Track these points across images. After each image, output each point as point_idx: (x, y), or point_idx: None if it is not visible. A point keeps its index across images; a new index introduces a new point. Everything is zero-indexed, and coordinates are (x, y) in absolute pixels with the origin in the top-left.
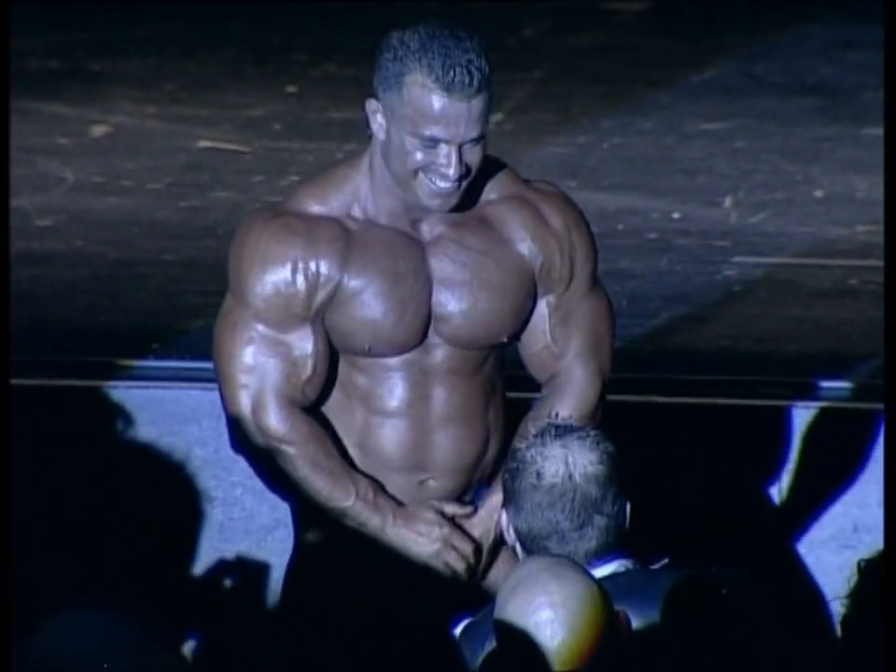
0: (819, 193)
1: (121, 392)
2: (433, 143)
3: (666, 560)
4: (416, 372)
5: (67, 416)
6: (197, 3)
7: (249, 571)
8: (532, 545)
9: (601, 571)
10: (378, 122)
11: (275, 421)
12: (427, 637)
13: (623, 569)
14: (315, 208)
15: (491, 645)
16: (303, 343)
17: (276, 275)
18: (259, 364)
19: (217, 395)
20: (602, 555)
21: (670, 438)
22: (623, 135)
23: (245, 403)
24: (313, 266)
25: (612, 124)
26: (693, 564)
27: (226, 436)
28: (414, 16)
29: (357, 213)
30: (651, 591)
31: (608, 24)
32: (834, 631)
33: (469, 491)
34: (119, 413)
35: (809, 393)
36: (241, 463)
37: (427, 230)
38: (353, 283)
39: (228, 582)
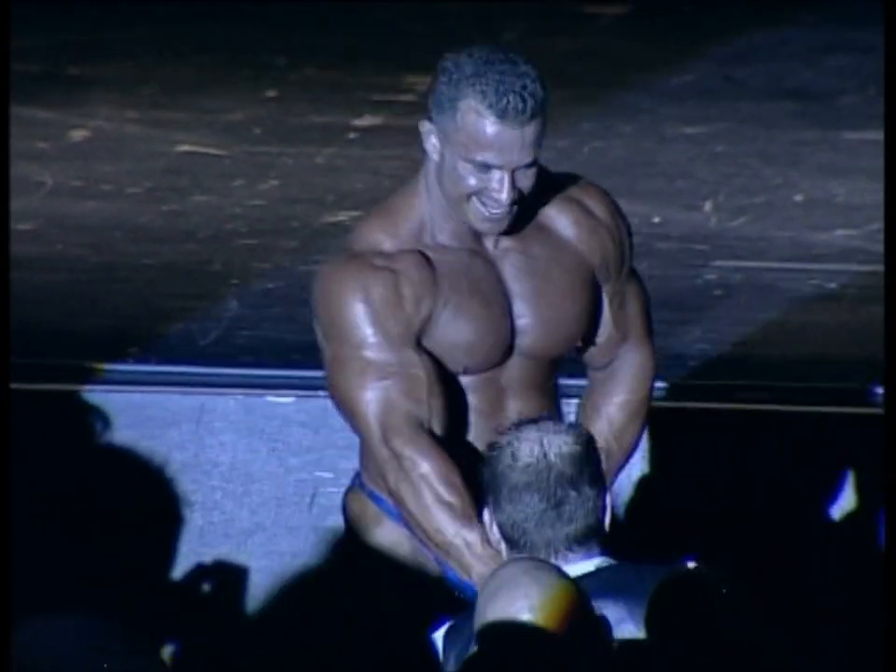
0: (798, 197)
1: (101, 396)
2: (486, 168)
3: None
4: (492, 387)
5: (47, 420)
6: (176, 6)
7: (229, 575)
8: (513, 534)
9: (585, 566)
10: (432, 143)
11: (403, 440)
12: (404, 641)
13: (606, 564)
14: (388, 244)
15: (473, 648)
16: (413, 359)
17: (370, 304)
18: (378, 388)
19: (196, 399)
20: (584, 543)
21: (650, 441)
22: (602, 139)
23: (373, 428)
24: (406, 293)
25: (592, 128)
26: (673, 561)
27: (206, 440)
28: (393, 17)
29: (427, 239)
30: (637, 587)
31: (587, 27)
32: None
33: None
34: (99, 417)
35: (790, 397)
36: (221, 467)
37: (492, 244)
38: (446, 309)
39: (207, 586)
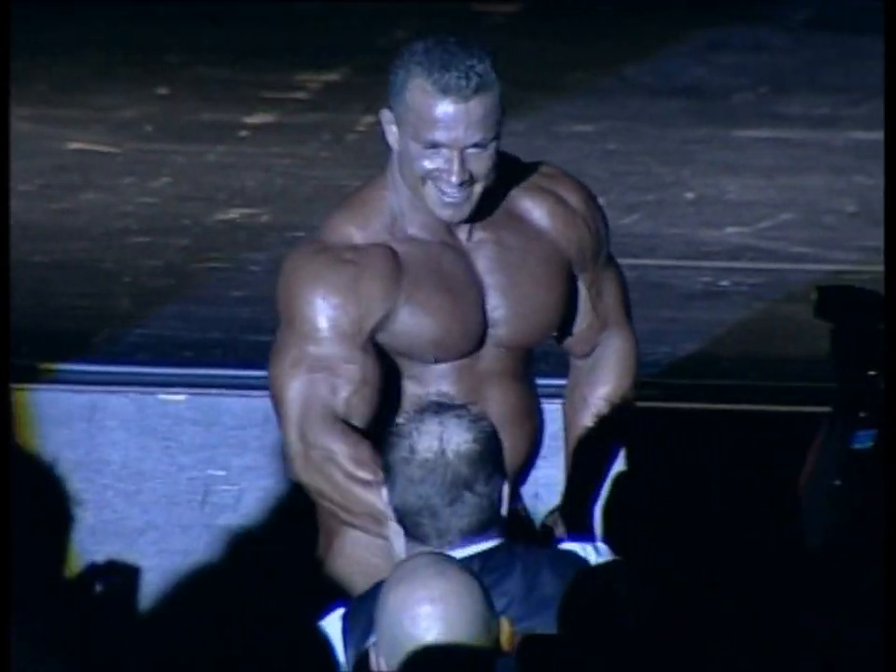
0: (690, 195)
1: None
2: (435, 148)
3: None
4: (468, 378)
5: None
6: (66, 3)
7: (121, 574)
8: (407, 521)
9: (475, 548)
10: (392, 132)
11: (317, 431)
12: (293, 630)
13: (495, 544)
14: (359, 236)
15: (372, 638)
16: (352, 360)
17: (327, 300)
18: (306, 381)
19: (88, 397)
20: (478, 534)
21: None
22: None
23: (292, 419)
24: (366, 292)
25: None
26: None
27: (98, 438)
28: (289, 17)
29: (398, 233)
30: (528, 566)
31: (479, 26)
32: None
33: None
34: None
35: (680, 394)
36: (112, 465)
37: (465, 235)
38: (410, 303)
39: (99, 585)
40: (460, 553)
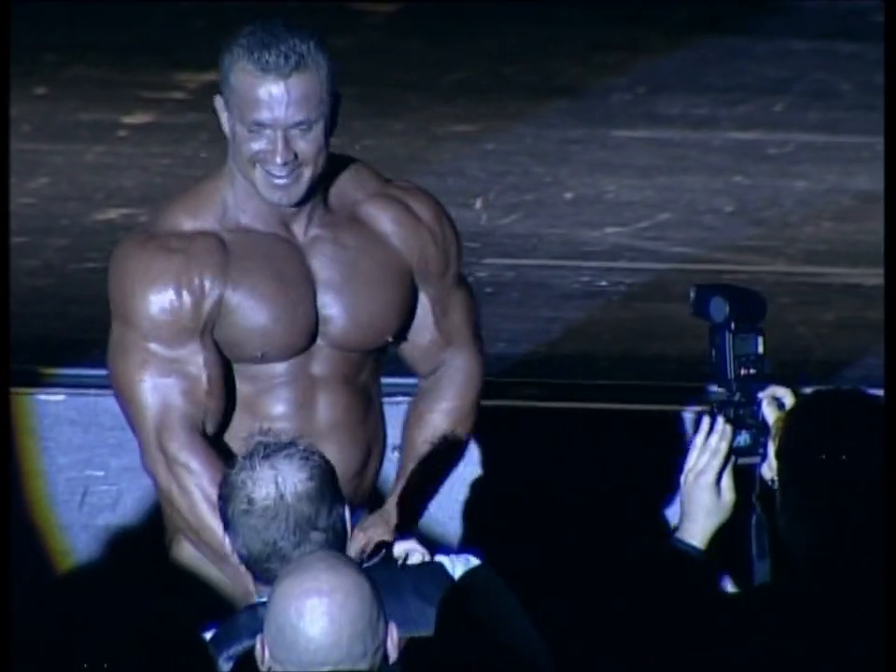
0: (568, 195)
1: None
2: (259, 128)
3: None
4: (301, 379)
5: None
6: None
7: None
8: (256, 567)
9: None
10: (224, 118)
11: (178, 444)
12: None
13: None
14: (188, 224)
15: (249, 641)
16: (196, 357)
17: (160, 294)
18: (158, 385)
19: None
20: None
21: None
22: (373, 137)
23: (149, 425)
24: (195, 280)
25: (363, 126)
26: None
27: None
28: (167, 14)
29: (230, 223)
30: (389, 590)
31: (357, 25)
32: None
33: (353, 503)
34: None
35: (560, 393)
36: None
37: (301, 231)
38: (237, 292)
39: None
40: None
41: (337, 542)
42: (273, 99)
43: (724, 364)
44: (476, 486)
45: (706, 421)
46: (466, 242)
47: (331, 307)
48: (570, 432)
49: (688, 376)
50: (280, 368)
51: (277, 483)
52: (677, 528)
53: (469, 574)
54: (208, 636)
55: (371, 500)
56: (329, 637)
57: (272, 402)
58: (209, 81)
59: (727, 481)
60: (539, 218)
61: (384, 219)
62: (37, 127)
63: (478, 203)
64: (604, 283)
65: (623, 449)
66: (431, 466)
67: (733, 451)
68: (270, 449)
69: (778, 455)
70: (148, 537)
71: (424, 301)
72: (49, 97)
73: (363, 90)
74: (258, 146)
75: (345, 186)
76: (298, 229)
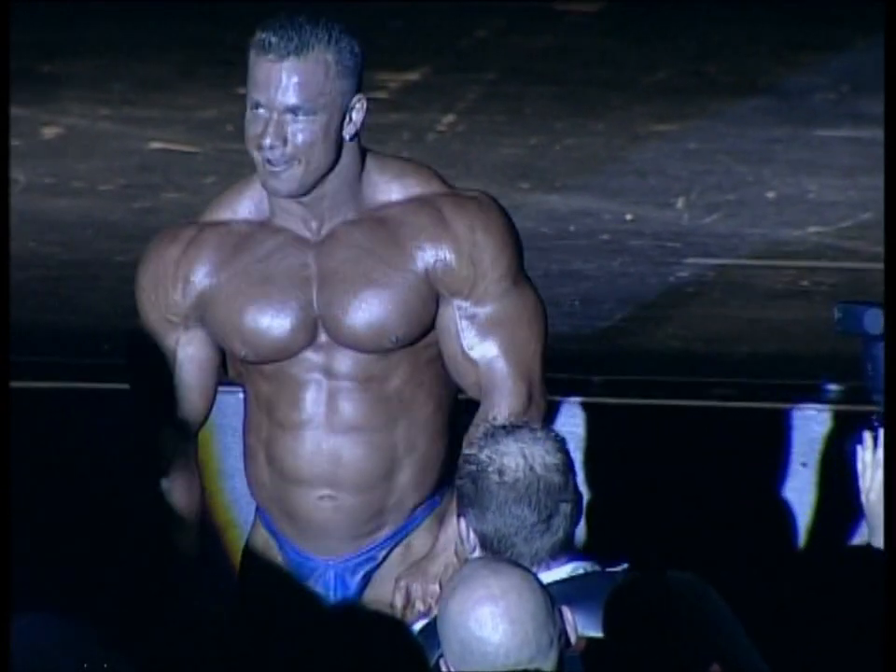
0: (770, 194)
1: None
2: (256, 110)
3: (625, 565)
4: (316, 380)
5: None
6: (147, 3)
7: None
8: (499, 546)
9: (558, 573)
10: None
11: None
12: (390, 636)
13: (581, 571)
14: (221, 214)
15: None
16: (182, 348)
17: (152, 283)
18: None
19: None
20: (565, 551)
21: (622, 439)
22: (575, 136)
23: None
24: (185, 272)
25: (564, 125)
26: (650, 566)
27: None
28: (370, 16)
29: (258, 216)
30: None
31: (560, 25)
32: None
33: (381, 516)
34: (82, 414)
35: (761, 394)
36: None
37: (318, 229)
38: (225, 288)
39: None
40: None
41: (574, 524)
42: (268, 79)
43: (882, 376)
44: (673, 486)
45: (868, 437)
46: (667, 241)
47: (328, 305)
48: (768, 432)
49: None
50: (295, 369)
51: (525, 456)
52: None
53: (683, 581)
54: (417, 627)
55: (422, 510)
56: (516, 637)
57: (287, 403)
58: (410, 81)
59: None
60: (741, 218)
61: (407, 223)
62: (240, 127)
63: (679, 203)
64: (805, 283)
65: (825, 449)
66: None
67: None
68: (510, 428)
69: None
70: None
71: (449, 311)
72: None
73: (564, 89)
74: (253, 128)
75: (384, 188)
76: (314, 225)
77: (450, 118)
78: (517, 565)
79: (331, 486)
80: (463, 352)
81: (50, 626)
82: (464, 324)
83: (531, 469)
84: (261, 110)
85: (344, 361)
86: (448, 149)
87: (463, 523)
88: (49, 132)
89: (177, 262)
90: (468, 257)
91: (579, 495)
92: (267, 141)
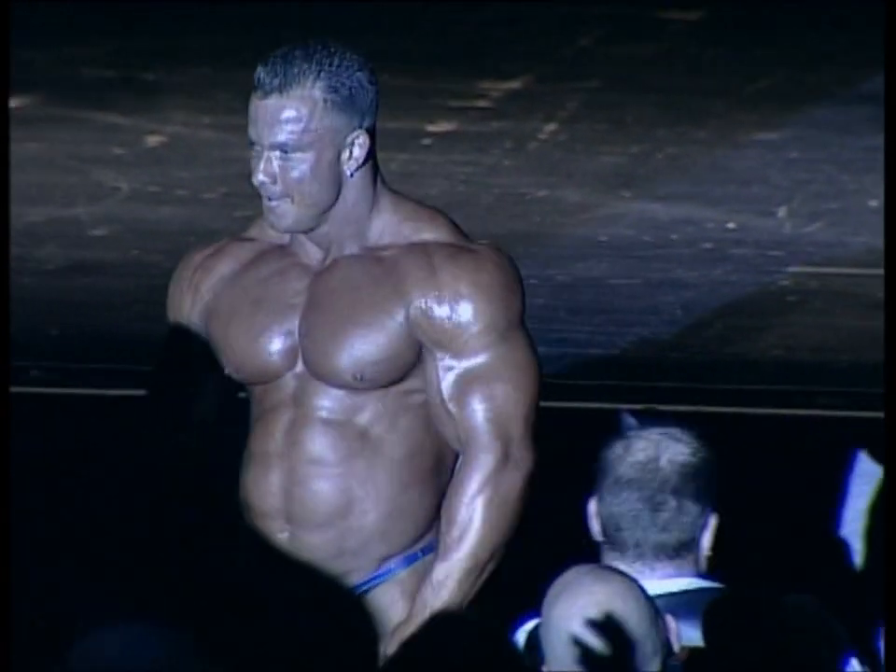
0: (873, 203)
1: None
2: (252, 146)
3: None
4: (287, 408)
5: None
6: (251, 11)
7: None
8: (608, 527)
9: (669, 585)
10: None
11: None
12: (486, 643)
13: (695, 587)
14: (253, 232)
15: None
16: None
17: (174, 284)
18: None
19: None
20: (674, 557)
21: (723, 448)
22: (676, 145)
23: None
24: (197, 281)
25: (666, 133)
26: (770, 584)
27: None
28: (471, 22)
29: (278, 238)
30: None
31: (662, 33)
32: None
33: (341, 558)
34: None
35: (865, 403)
36: None
37: (322, 260)
38: (222, 302)
39: None
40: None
41: (691, 532)
42: (256, 116)
43: None
44: (781, 496)
45: None
46: (769, 250)
47: (306, 335)
48: (872, 441)
49: None
50: (273, 393)
51: (658, 446)
52: None
53: (799, 602)
54: (522, 634)
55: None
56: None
57: (264, 426)
58: (512, 90)
59: None
60: (844, 227)
61: (400, 267)
62: None
63: (781, 212)
64: None
65: None
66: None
67: None
68: (653, 428)
69: None
70: None
71: (431, 361)
72: None
73: (666, 97)
74: (252, 164)
75: (394, 229)
76: (320, 256)
77: (552, 126)
78: (621, 573)
79: (287, 520)
80: (443, 403)
81: (150, 639)
82: (444, 375)
83: (657, 458)
84: (255, 147)
85: (315, 393)
86: (549, 158)
87: (592, 505)
88: (152, 140)
89: (195, 270)
90: (448, 307)
91: (704, 512)
92: (258, 178)
